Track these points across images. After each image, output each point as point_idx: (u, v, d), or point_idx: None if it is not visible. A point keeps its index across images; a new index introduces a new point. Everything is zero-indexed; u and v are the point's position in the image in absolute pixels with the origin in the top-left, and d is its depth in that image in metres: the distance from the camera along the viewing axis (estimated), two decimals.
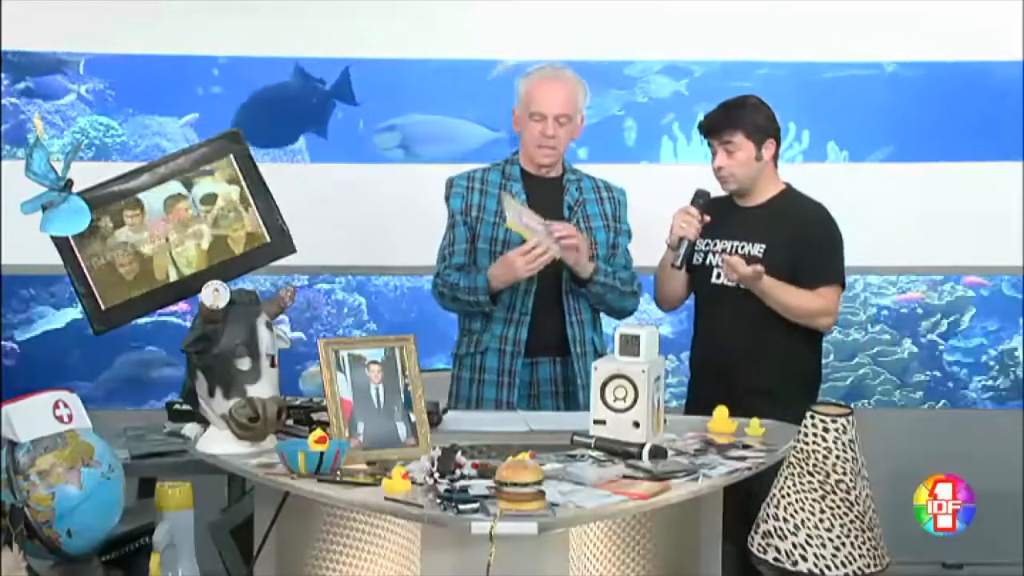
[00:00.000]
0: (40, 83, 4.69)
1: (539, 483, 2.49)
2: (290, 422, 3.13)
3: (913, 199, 4.77)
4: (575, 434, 2.98)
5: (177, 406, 3.43)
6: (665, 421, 3.17)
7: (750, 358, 3.58)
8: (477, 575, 2.46)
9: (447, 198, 3.70)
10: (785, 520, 2.57)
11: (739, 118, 3.61)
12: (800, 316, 3.57)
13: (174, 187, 3.10)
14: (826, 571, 2.52)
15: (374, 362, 2.97)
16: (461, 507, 2.48)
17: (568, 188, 3.68)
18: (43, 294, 4.77)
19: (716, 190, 3.69)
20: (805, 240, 3.61)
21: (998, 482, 4.22)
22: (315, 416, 3.19)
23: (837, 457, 2.55)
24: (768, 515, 2.61)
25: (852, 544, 2.53)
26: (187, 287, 3.08)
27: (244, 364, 2.91)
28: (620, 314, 3.69)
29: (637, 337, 3.03)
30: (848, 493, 2.54)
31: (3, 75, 4.64)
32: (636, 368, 3.00)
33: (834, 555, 2.52)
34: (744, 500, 3.01)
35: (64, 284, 4.49)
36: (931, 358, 4.96)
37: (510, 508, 2.46)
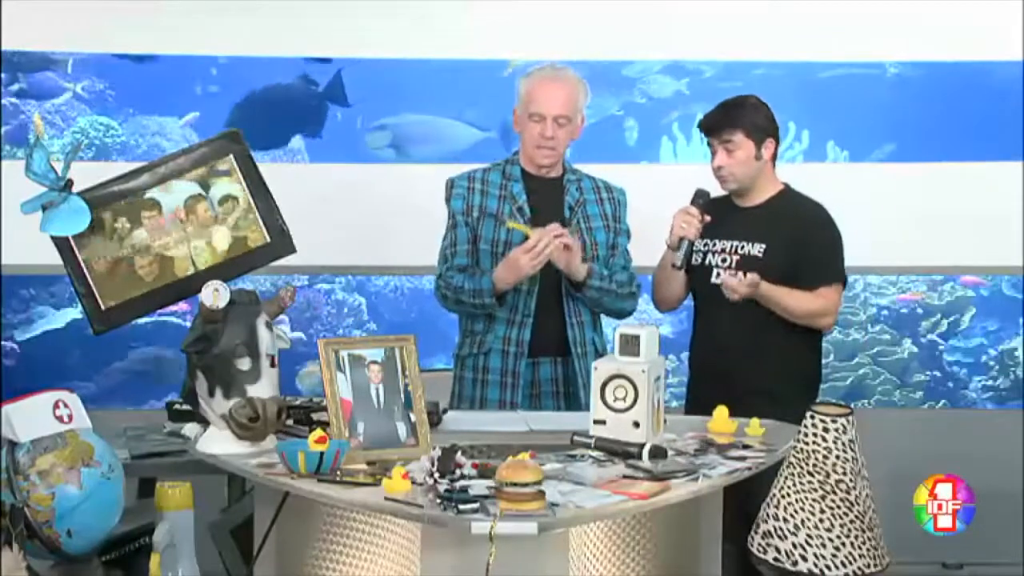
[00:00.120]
0: (33, 82, 4.69)
1: (539, 483, 2.49)
2: (290, 422, 3.13)
3: (913, 199, 4.77)
4: (575, 434, 2.98)
5: (177, 406, 3.43)
6: (665, 421, 3.17)
7: (750, 358, 3.58)
8: (477, 575, 2.46)
9: (448, 199, 3.70)
10: (785, 520, 2.57)
11: (739, 117, 3.61)
12: (801, 318, 3.58)
13: (192, 188, 3.11)
14: (826, 571, 2.52)
15: (374, 362, 2.97)
16: (461, 507, 2.48)
17: (568, 188, 3.68)
18: (43, 294, 4.77)
19: (715, 190, 3.69)
20: (805, 240, 3.61)
21: (998, 482, 4.22)
22: (315, 416, 3.19)
23: (837, 457, 2.55)
24: (768, 515, 2.61)
25: (852, 544, 2.53)
26: (187, 287, 3.08)
27: (244, 364, 2.91)
28: (618, 316, 3.69)
29: (637, 337, 3.03)
30: (848, 493, 2.54)
31: (1, 75, 4.64)
32: (636, 368, 2.99)
33: (834, 555, 2.52)
34: (744, 500, 3.01)
35: (64, 284, 4.49)
36: (931, 358, 4.96)
37: (510, 508, 2.46)
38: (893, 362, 4.95)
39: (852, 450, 2.56)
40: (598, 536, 2.80)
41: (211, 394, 2.93)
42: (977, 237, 4.75)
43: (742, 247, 3.60)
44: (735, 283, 3.48)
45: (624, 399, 3.00)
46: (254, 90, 4.72)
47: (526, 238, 3.51)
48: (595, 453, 2.90)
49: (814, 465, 2.56)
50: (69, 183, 3.00)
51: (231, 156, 3.14)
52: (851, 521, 2.53)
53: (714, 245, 3.66)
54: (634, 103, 4.82)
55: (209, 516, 3.36)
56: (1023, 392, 4.93)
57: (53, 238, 3.03)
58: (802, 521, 2.55)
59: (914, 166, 4.80)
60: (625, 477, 2.72)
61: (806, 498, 2.55)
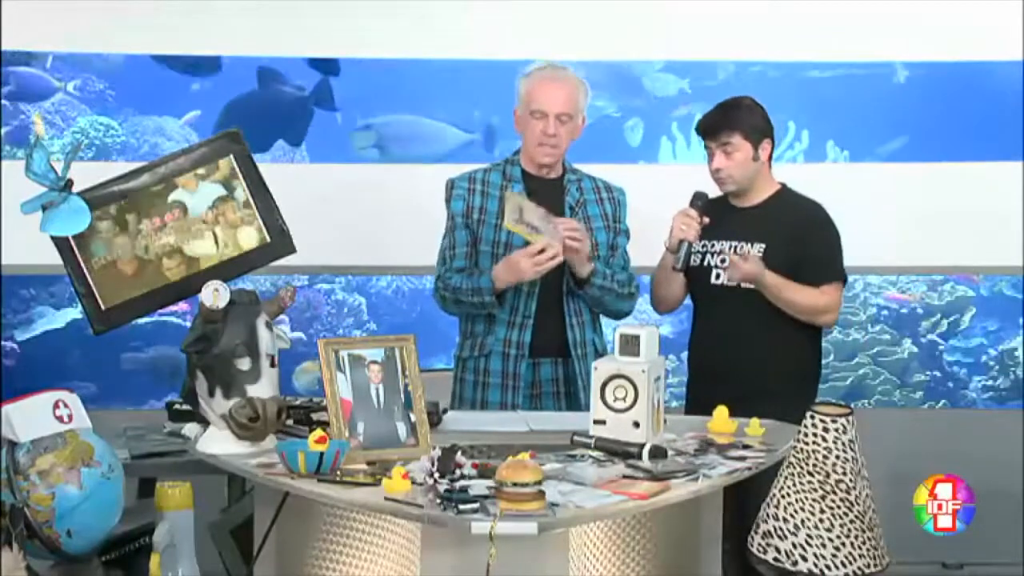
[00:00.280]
0: (22, 83, 4.69)
1: (539, 483, 2.49)
2: (290, 422, 3.13)
3: (913, 199, 4.77)
4: (575, 434, 2.98)
5: (177, 406, 3.43)
6: (665, 421, 3.17)
7: (749, 358, 3.58)
8: (477, 575, 2.46)
9: (448, 200, 3.70)
10: (785, 520, 2.56)
11: (736, 119, 3.61)
12: (805, 313, 3.58)
13: (218, 189, 3.11)
14: (826, 571, 2.52)
15: (374, 362, 2.97)
16: (461, 507, 2.48)
17: (569, 189, 3.68)
18: (43, 294, 4.77)
19: (713, 191, 3.69)
20: (804, 239, 3.61)
21: (998, 482, 4.22)
22: (315, 416, 3.19)
23: (837, 457, 2.55)
24: (768, 515, 2.61)
25: (852, 544, 2.53)
26: (187, 287, 3.08)
27: (244, 364, 2.91)
28: (617, 316, 3.69)
29: (637, 337, 3.03)
30: (848, 493, 2.54)
31: (1, 75, 4.64)
32: (636, 368, 2.99)
33: (834, 555, 2.52)
34: (744, 500, 3.01)
35: (64, 284, 4.49)
36: (931, 358, 4.96)
37: (510, 508, 2.46)
38: (893, 362, 4.95)
39: (852, 450, 2.56)
40: (598, 536, 2.80)
41: (211, 394, 2.93)
42: (977, 237, 4.75)
43: (741, 247, 3.60)
44: (740, 260, 3.47)
45: (624, 399, 3.00)
46: (238, 96, 4.71)
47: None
48: (595, 453, 2.90)
49: (814, 465, 2.56)
50: (69, 183, 3.00)
51: (231, 156, 3.14)
52: (851, 521, 2.53)
53: (712, 246, 3.66)
54: (634, 103, 4.82)
55: (209, 516, 3.36)
56: (1023, 392, 4.92)
57: (53, 238, 3.03)
58: (802, 521, 2.55)
59: (914, 166, 4.80)
60: (625, 477, 2.72)
61: (806, 498, 2.55)
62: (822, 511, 2.54)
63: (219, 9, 4.68)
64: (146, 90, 4.73)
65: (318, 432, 2.79)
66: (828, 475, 2.54)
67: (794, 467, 2.59)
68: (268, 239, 3.14)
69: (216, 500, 3.56)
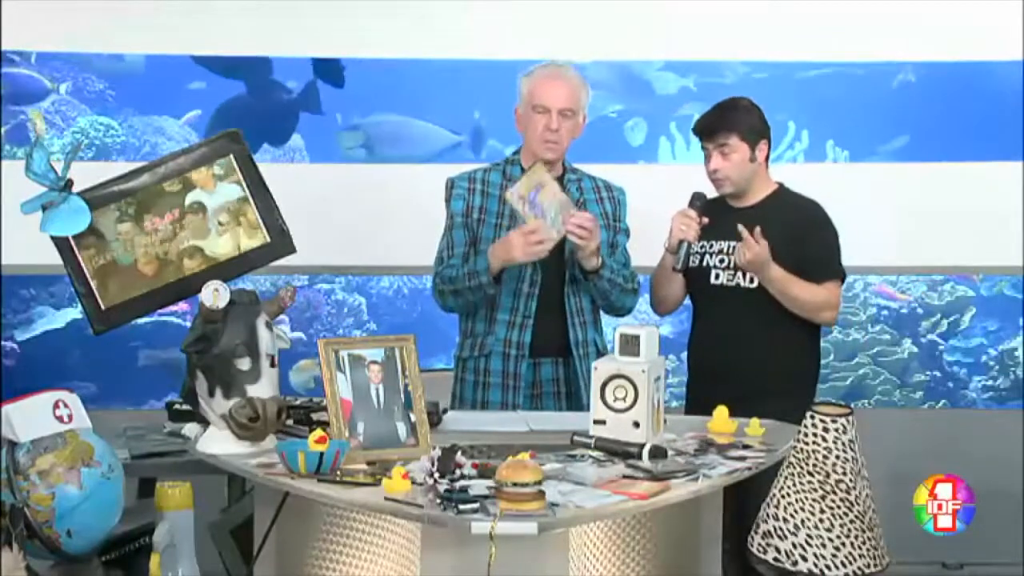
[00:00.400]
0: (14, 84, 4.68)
1: (539, 483, 2.49)
2: (290, 422, 3.13)
3: (913, 199, 4.77)
4: (575, 434, 2.98)
5: (177, 406, 3.43)
6: (665, 421, 3.17)
7: (749, 358, 3.58)
8: (477, 575, 2.46)
9: (447, 200, 3.70)
10: (785, 520, 2.56)
11: (733, 121, 3.62)
12: (807, 309, 3.58)
13: (236, 190, 3.12)
14: (826, 571, 2.52)
15: (374, 362, 2.97)
16: (461, 507, 2.48)
17: (569, 188, 3.67)
18: (43, 294, 4.77)
19: (711, 192, 3.70)
20: (802, 238, 3.61)
21: (998, 482, 4.23)
22: (315, 416, 3.19)
23: (837, 457, 2.55)
24: (768, 515, 2.61)
25: (852, 544, 2.53)
26: (187, 287, 3.08)
27: (244, 364, 2.91)
28: (620, 311, 3.69)
29: (637, 337, 3.03)
30: (848, 493, 2.54)
31: (1, 76, 4.64)
32: (636, 368, 3.00)
33: (834, 555, 2.52)
34: (744, 500, 3.01)
35: (64, 284, 4.49)
36: (931, 358, 4.96)
37: (510, 508, 2.46)
38: (893, 362, 4.95)
39: (852, 450, 2.56)
40: (598, 536, 2.80)
41: (211, 394, 2.93)
42: (977, 237, 4.75)
43: (739, 247, 3.60)
44: (749, 240, 3.46)
45: (624, 399, 3.00)
46: (226, 100, 4.71)
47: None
48: (595, 453, 2.90)
49: (814, 465, 2.56)
50: (69, 183, 3.00)
51: (231, 156, 3.14)
52: (851, 521, 2.53)
53: (711, 247, 3.66)
54: (633, 103, 4.82)
55: (209, 516, 3.36)
56: (1023, 392, 4.92)
57: (53, 238, 3.03)
58: (802, 521, 2.55)
59: (914, 166, 4.80)
60: (625, 477, 2.72)
61: (806, 498, 2.55)
62: (822, 511, 2.54)
63: (219, 9, 4.68)
64: (146, 90, 4.73)
65: (318, 432, 2.79)
66: (828, 475, 2.54)
67: (794, 467, 2.59)
68: (268, 239, 3.14)
69: (216, 500, 3.56)
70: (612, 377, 3.01)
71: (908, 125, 4.82)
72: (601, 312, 3.71)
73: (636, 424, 2.98)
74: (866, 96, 4.79)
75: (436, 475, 2.60)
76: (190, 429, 3.24)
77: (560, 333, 3.60)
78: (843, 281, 3.68)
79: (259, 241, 3.14)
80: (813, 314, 3.61)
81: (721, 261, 3.63)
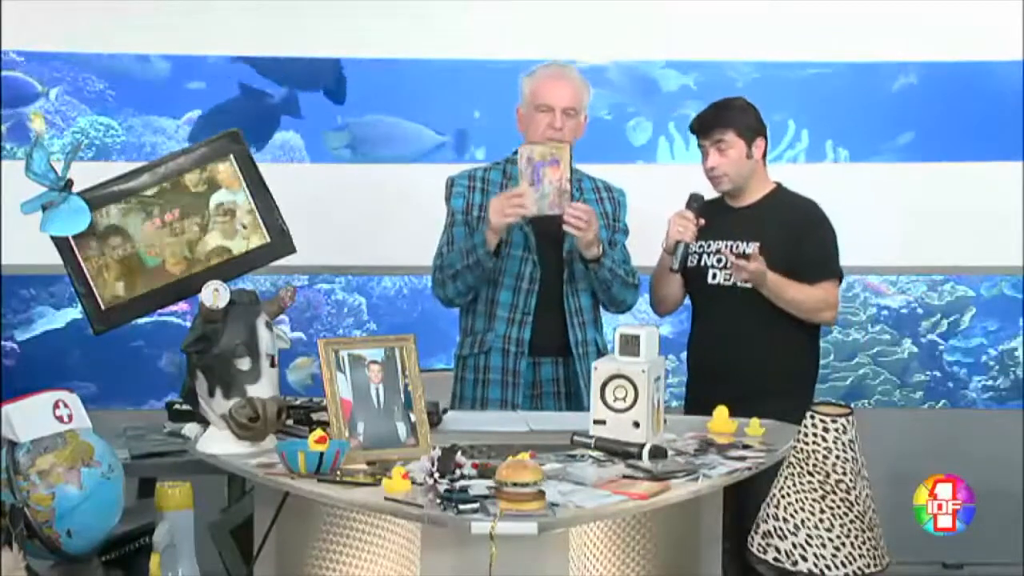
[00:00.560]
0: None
1: (539, 483, 2.49)
2: (290, 422, 3.13)
3: (913, 199, 4.77)
4: (575, 434, 2.98)
5: (177, 406, 3.43)
6: (665, 421, 3.17)
7: (748, 358, 3.59)
8: (477, 575, 2.46)
9: (448, 198, 3.70)
10: (785, 520, 2.57)
11: (729, 118, 3.64)
12: (805, 311, 3.59)
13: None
14: (826, 571, 2.52)
15: (374, 362, 2.97)
16: (461, 507, 2.48)
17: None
18: (43, 294, 4.77)
19: (709, 192, 3.70)
20: (800, 238, 3.62)
21: (998, 482, 4.23)
22: (315, 416, 3.19)
23: (837, 457, 2.55)
24: (768, 515, 2.61)
25: (852, 544, 2.53)
26: (187, 287, 3.08)
27: (244, 364, 2.91)
28: (620, 306, 3.68)
29: (637, 337, 3.03)
30: (848, 493, 2.54)
31: (1, 76, 4.64)
32: (636, 368, 3.00)
33: (834, 555, 2.52)
34: (744, 500, 3.01)
35: (64, 284, 4.49)
36: (931, 358, 4.96)
37: (510, 508, 2.46)
38: (893, 362, 4.95)
39: (852, 450, 2.56)
40: (598, 536, 2.80)
41: (211, 394, 2.93)
42: (977, 237, 4.75)
43: (736, 246, 3.61)
44: (743, 262, 3.48)
45: (624, 399, 3.00)
46: (212, 105, 4.71)
47: (525, 238, 3.55)
48: (595, 453, 2.90)
49: (814, 465, 2.56)
50: (69, 183, 3.00)
51: (231, 156, 3.14)
52: (851, 521, 2.53)
53: (709, 246, 3.67)
54: (633, 103, 4.82)
55: (209, 516, 3.36)
56: (1023, 392, 4.92)
57: (53, 238, 3.03)
58: (802, 521, 2.55)
59: (914, 166, 4.80)
60: (625, 477, 2.72)
61: (806, 498, 2.55)
62: (822, 511, 2.54)
63: (219, 9, 4.68)
64: (146, 90, 4.73)
65: (318, 432, 2.79)
66: (828, 475, 2.54)
67: (794, 467, 2.59)
68: (268, 239, 3.14)
69: (216, 500, 3.56)
70: (612, 377, 3.01)
71: (908, 125, 4.82)
72: (602, 312, 3.72)
73: (636, 424, 2.98)
74: (866, 96, 4.80)
75: (436, 475, 2.60)
76: (190, 429, 3.24)
77: (560, 332, 3.61)
78: (841, 280, 3.68)
79: (259, 241, 3.14)
80: (812, 315, 3.62)
81: (719, 261, 3.64)
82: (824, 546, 2.53)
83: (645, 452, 2.83)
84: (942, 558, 4.71)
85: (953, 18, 4.73)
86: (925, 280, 4.95)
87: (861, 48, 4.77)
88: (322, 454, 2.71)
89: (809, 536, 2.53)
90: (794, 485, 2.58)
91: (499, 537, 2.42)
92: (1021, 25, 4.70)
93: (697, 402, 3.60)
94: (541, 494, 2.50)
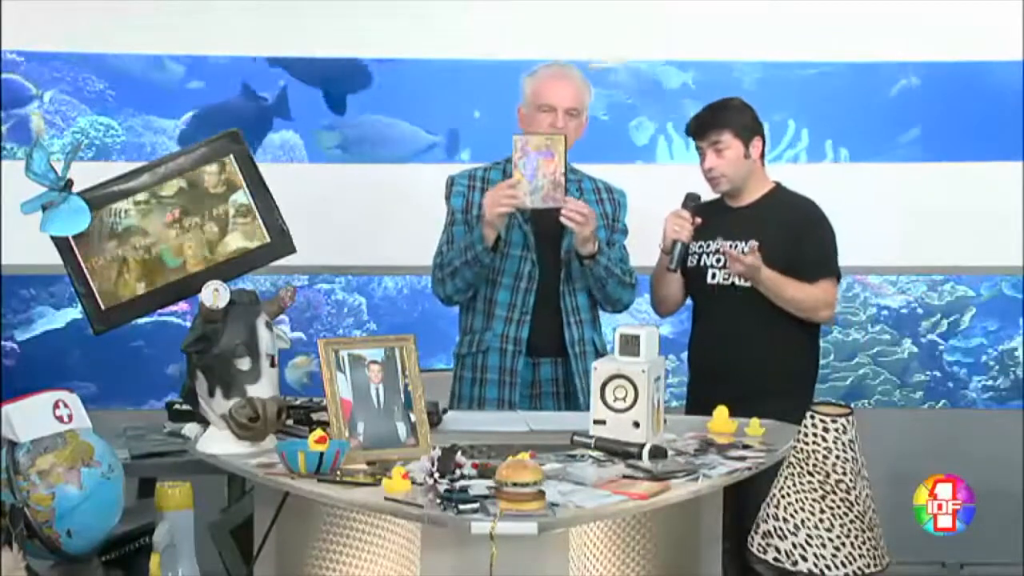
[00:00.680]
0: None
1: (539, 483, 2.49)
2: (290, 422, 3.13)
3: (913, 199, 4.77)
4: (575, 434, 2.98)
5: (177, 406, 3.43)
6: (665, 421, 3.17)
7: (748, 358, 3.59)
8: (477, 575, 2.46)
9: (448, 197, 3.70)
10: (785, 520, 2.57)
11: (725, 118, 3.64)
12: (802, 309, 3.59)
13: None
14: (826, 571, 2.52)
15: (374, 362, 2.97)
16: (461, 507, 2.48)
17: (569, 188, 3.67)
18: (43, 294, 4.77)
19: (707, 193, 3.70)
20: (799, 237, 3.62)
21: (998, 482, 4.23)
22: (315, 416, 3.19)
23: (837, 457, 2.55)
24: (768, 515, 2.61)
25: (852, 544, 2.53)
26: (187, 287, 3.08)
27: (244, 364, 2.91)
28: (616, 305, 3.68)
29: (637, 337, 3.03)
30: (848, 493, 2.54)
31: (1, 77, 4.64)
32: (636, 368, 2.99)
33: (834, 555, 2.52)
34: (744, 500, 3.01)
35: (64, 284, 4.49)
36: (931, 358, 4.96)
37: (510, 508, 2.46)
38: (893, 362, 4.95)
39: (852, 450, 2.56)
40: (598, 536, 2.80)
41: (211, 394, 2.93)
42: (977, 237, 4.75)
43: (735, 246, 3.61)
44: (737, 254, 3.48)
45: (624, 399, 3.00)
46: (205, 106, 4.71)
47: (524, 237, 3.55)
48: (595, 453, 2.90)
49: (814, 465, 2.56)
50: (69, 183, 3.00)
51: (231, 156, 3.14)
52: (851, 521, 2.53)
53: (708, 246, 3.67)
54: (633, 104, 4.82)
55: (209, 516, 3.36)
56: (1023, 392, 4.92)
57: (53, 238, 3.03)
58: (802, 521, 2.55)
59: (914, 166, 4.80)
60: (625, 477, 2.72)
61: (806, 498, 2.55)
62: (822, 511, 2.54)
63: (218, 9, 4.68)
64: (146, 90, 4.72)
65: (318, 432, 2.79)
66: (828, 475, 2.54)
67: (794, 467, 2.59)
68: (268, 239, 3.14)
69: (216, 500, 3.56)
70: (612, 377, 3.01)
71: (908, 125, 4.82)
72: (600, 312, 3.72)
73: (636, 424, 2.98)
74: (866, 96, 4.79)
75: (436, 475, 2.60)
76: (190, 429, 3.24)
77: (558, 332, 3.61)
78: (839, 279, 3.69)
79: (259, 241, 3.14)
80: (810, 313, 3.62)
81: (718, 260, 3.64)
82: (824, 546, 2.53)
83: (645, 452, 2.83)
84: (942, 558, 4.71)
85: (953, 18, 4.73)
86: (925, 280, 4.95)
87: (861, 48, 4.76)
88: (322, 454, 2.71)
89: (809, 536, 2.53)
90: (794, 485, 2.58)
91: (499, 537, 2.42)
92: (1021, 25, 4.70)
93: (697, 402, 3.60)
94: (541, 494, 2.50)
